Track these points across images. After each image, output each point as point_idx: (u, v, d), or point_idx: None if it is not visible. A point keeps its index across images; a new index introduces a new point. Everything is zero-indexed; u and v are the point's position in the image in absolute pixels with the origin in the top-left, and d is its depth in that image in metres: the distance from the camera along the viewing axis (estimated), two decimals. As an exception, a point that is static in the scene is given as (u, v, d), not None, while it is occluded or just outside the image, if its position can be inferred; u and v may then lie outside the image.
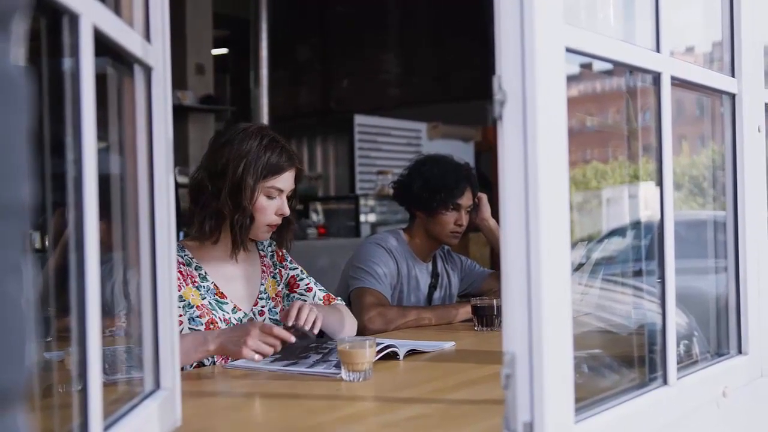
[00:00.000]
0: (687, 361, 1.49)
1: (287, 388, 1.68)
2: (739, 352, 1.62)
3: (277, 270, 2.22)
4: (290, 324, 1.91)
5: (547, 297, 1.02)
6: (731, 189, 1.62)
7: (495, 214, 2.64)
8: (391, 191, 2.94)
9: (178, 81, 6.43)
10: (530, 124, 1.02)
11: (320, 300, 2.22)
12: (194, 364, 1.91)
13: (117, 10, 1.10)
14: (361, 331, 2.40)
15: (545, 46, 1.03)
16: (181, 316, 1.95)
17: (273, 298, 2.16)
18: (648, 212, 1.48)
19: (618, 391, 1.29)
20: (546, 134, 1.03)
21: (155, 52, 1.23)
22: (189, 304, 1.98)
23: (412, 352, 1.98)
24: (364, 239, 2.94)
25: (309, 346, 2.00)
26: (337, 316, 2.19)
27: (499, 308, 2.35)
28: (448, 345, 2.13)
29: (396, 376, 1.82)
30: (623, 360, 1.50)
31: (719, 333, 1.66)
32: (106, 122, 1.13)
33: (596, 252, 1.66)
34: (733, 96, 1.62)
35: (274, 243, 2.22)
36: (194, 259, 2.06)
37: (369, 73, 9.21)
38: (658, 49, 1.36)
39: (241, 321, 2.06)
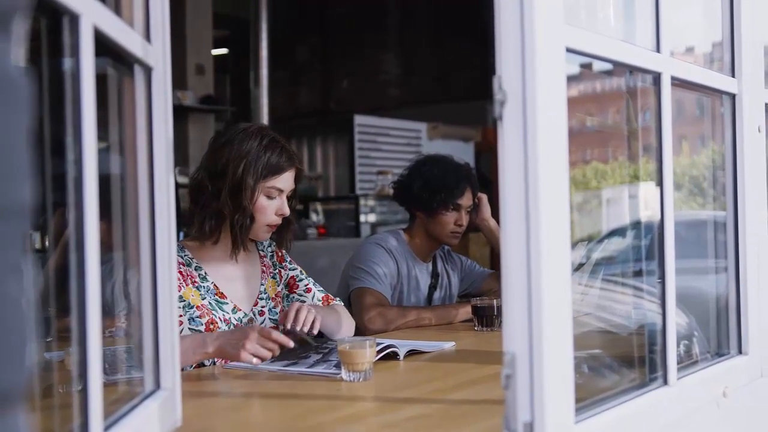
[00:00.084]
0: (687, 362, 1.49)
1: (287, 388, 1.68)
2: (740, 352, 1.62)
3: (277, 270, 2.22)
4: (289, 327, 1.91)
5: (547, 297, 1.02)
6: (731, 189, 1.62)
7: (495, 214, 2.63)
8: (391, 191, 2.94)
9: (178, 81, 6.43)
10: (530, 124, 1.02)
11: (319, 301, 2.22)
12: (194, 365, 1.91)
13: (117, 10, 1.10)
14: (362, 331, 2.40)
15: (545, 46, 1.03)
16: (181, 316, 1.95)
17: (273, 298, 2.16)
18: (648, 212, 1.48)
19: (618, 391, 1.29)
20: (546, 134, 1.03)
21: (155, 52, 1.23)
22: (189, 304, 1.98)
23: (412, 353, 1.98)
24: (364, 239, 2.94)
25: (309, 347, 2.00)
26: (335, 316, 2.20)
27: (499, 308, 2.35)
28: (448, 345, 2.12)
29: (396, 376, 1.82)
30: (623, 360, 1.50)
31: (719, 333, 1.66)
32: (106, 122, 1.13)
33: (596, 252, 1.66)
34: (733, 96, 1.62)
35: (274, 243, 2.22)
36: (194, 260, 2.06)
37: (369, 73, 9.22)
38: (658, 49, 1.36)
39: (241, 321, 2.06)
